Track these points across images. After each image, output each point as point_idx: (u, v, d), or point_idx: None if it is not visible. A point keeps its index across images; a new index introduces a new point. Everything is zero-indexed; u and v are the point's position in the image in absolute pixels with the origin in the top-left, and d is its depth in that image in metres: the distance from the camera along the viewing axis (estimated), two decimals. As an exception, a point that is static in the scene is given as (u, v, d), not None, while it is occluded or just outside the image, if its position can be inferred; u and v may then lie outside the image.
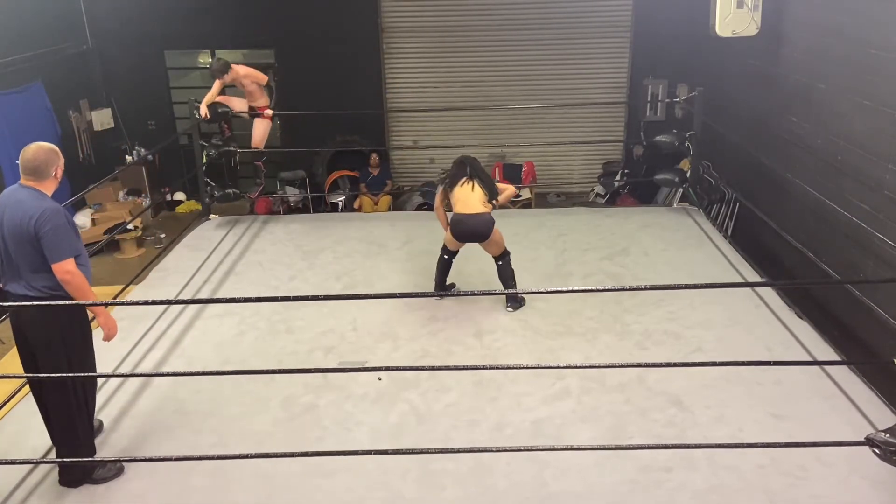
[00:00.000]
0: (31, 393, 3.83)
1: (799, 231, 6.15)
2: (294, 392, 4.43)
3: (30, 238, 3.42)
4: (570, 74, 10.59)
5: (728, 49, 7.81)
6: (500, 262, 5.54)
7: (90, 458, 3.69)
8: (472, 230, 5.38)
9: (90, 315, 3.77)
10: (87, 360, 3.69)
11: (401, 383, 4.49)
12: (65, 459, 3.61)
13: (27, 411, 4.29)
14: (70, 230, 3.53)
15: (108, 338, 3.73)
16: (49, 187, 3.57)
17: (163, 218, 10.47)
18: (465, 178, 5.44)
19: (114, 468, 3.74)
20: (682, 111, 9.46)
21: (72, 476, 3.67)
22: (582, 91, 10.57)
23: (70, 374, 3.49)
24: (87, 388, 3.71)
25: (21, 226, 3.43)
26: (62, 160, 3.63)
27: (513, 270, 5.53)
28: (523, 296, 5.57)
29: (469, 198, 5.37)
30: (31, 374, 3.57)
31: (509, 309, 5.48)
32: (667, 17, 9.66)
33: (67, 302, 3.49)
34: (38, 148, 3.56)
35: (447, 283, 5.71)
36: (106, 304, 3.87)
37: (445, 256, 5.61)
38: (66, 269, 3.45)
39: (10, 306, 3.53)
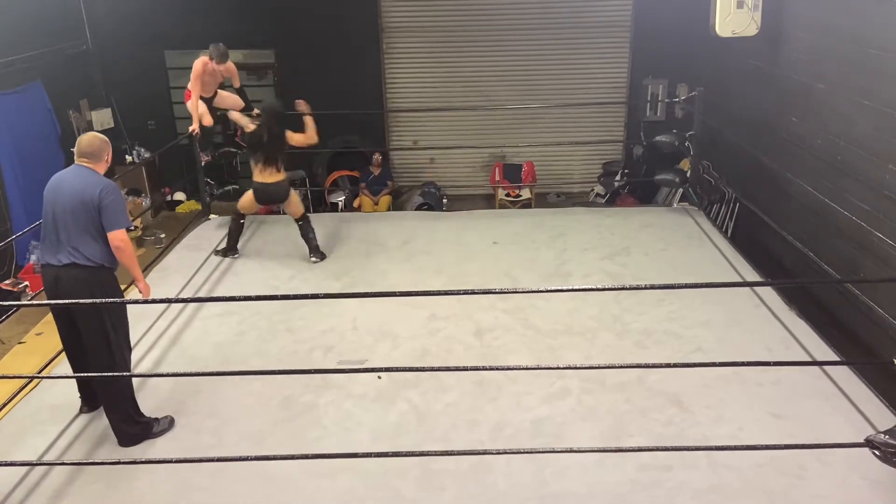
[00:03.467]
0: (67, 360, 4.20)
1: (799, 231, 6.15)
2: (294, 391, 4.43)
3: (92, 206, 3.80)
4: (570, 74, 10.59)
5: (728, 49, 7.81)
6: (301, 223, 6.45)
7: (84, 460, 3.70)
8: (271, 196, 6.44)
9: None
10: (124, 324, 4.03)
11: (401, 383, 4.49)
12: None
13: (27, 411, 4.30)
14: (125, 206, 3.99)
15: (145, 296, 4.20)
16: (101, 169, 4.00)
17: (163, 218, 10.47)
18: (261, 146, 6.17)
19: (165, 422, 4.11)
20: (682, 111, 9.47)
21: (132, 438, 3.99)
22: (582, 91, 10.58)
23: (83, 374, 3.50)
24: (126, 349, 4.06)
25: (84, 194, 3.81)
26: (111, 148, 4.09)
27: (313, 227, 6.46)
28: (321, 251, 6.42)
29: (266, 168, 6.24)
30: (32, 375, 3.61)
31: (314, 260, 6.38)
32: (667, 17, 9.66)
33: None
34: (94, 136, 4.05)
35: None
36: (104, 302, 3.92)
37: (241, 220, 6.59)
38: (121, 238, 3.87)
39: (48, 275, 3.90)
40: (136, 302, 4.16)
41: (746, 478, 3.61)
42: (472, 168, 11.10)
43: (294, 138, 6.37)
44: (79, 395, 4.29)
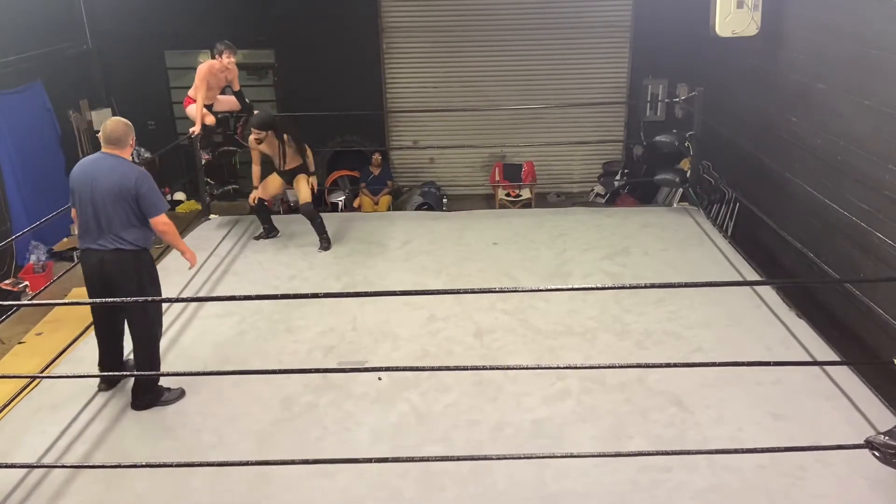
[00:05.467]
0: (96, 335, 4.44)
1: (799, 231, 6.16)
2: (294, 392, 4.43)
3: (129, 197, 4.02)
4: (570, 74, 10.59)
5: (728, 49, 7.81)
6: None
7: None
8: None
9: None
10: (158, 295, 4.37)
11: (401, 383, 4.49)
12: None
13: (27, 411, 4.30)
14: (159, 190, 4.20)
15: (193, 265, 4.57)
16: (127, 154, 4.18)
17: (163, 218, 10.46)
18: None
19: (176, 392, 4.35)
20: (682, 111, 9.46)
21: (143, 403, 4.26)
22: (582, 91, 10.58)
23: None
24: (158, 320, 4.42)
25: (120, 186, 4.01)
26: (134, 132, 4.25)
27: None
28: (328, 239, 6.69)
29: None
30: (32, 375, 3.62)
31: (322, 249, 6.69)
32: (667, 17, 9.66)
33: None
34: (117, 121, 4.20)
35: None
36: (106, 303, 3.99)
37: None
38: (164, 221, 4.14)
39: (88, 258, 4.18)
40: (137, 301, 4.16)
41: (746, 478, 3.61)
42: (472, 168, 11.10)
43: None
44: (99, 368, 4.43)
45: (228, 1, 10.20)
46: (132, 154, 10.37)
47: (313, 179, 6.86)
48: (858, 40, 5.36)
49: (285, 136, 6.58)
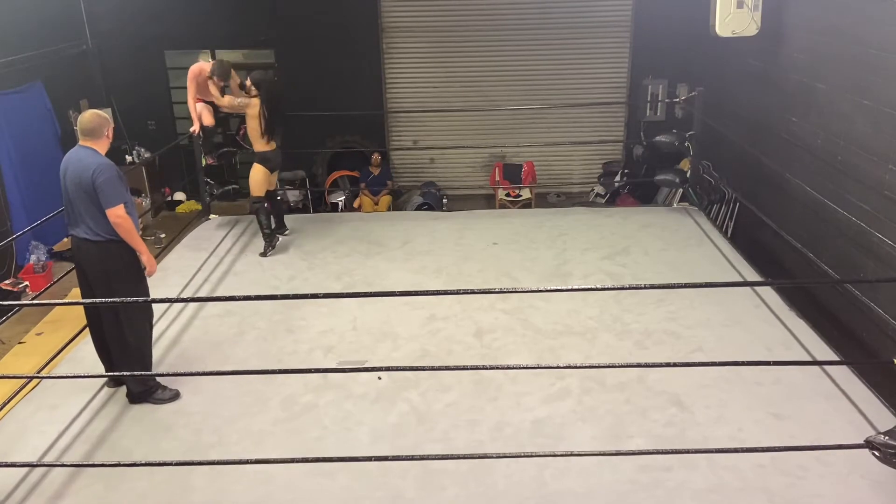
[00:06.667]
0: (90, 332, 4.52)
1: (799, 231, 6.15)
2: (294, 392, 4.43)
3: (88, 188, 4.05)
4: (570, 74, 10.59)
5: (728, 49, 7.81)
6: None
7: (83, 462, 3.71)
8: (278, 164, 6.63)
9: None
10: (138, 292, 4.31)
11: (401, 383, 4.49)
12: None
13: (27, 411, 4.30)
14: (119, 182, 4.16)
15: (150, 273, 4.43)
16: (102, 146, 4.20)
17: (163, 218, 10.47)
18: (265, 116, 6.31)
19: (170, 392, 4.37)
20: (682, 111, 9.46)
21: (136, 396, 4.33)
22: (582, 91, 10.58)
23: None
24: (138, 315, 4.33)
25: (82, 179, 4.06)
26: (112, 124, 4.29)
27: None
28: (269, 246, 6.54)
29: (271, 137, 6.46)
30: (32, 375, 3.63)
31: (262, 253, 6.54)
32: (667, 17, 9.65)
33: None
34: (93, 114, 4.22)
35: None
36: (104, 303, 4.04)
37: (266, 204, 6.61)
38: (117, 214, 4.09)
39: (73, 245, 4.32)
40: (137, 301, 4.16)
41: (746, 478, 3.61)
42: (472, 168, 11.11)
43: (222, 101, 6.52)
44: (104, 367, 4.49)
45: (228, 1, 10.20)
46: (134, 152, 10.37)
47: (264, 175, 6.55)
48: (858, 40, 5.36)
49: (262, 106, 6.28)
